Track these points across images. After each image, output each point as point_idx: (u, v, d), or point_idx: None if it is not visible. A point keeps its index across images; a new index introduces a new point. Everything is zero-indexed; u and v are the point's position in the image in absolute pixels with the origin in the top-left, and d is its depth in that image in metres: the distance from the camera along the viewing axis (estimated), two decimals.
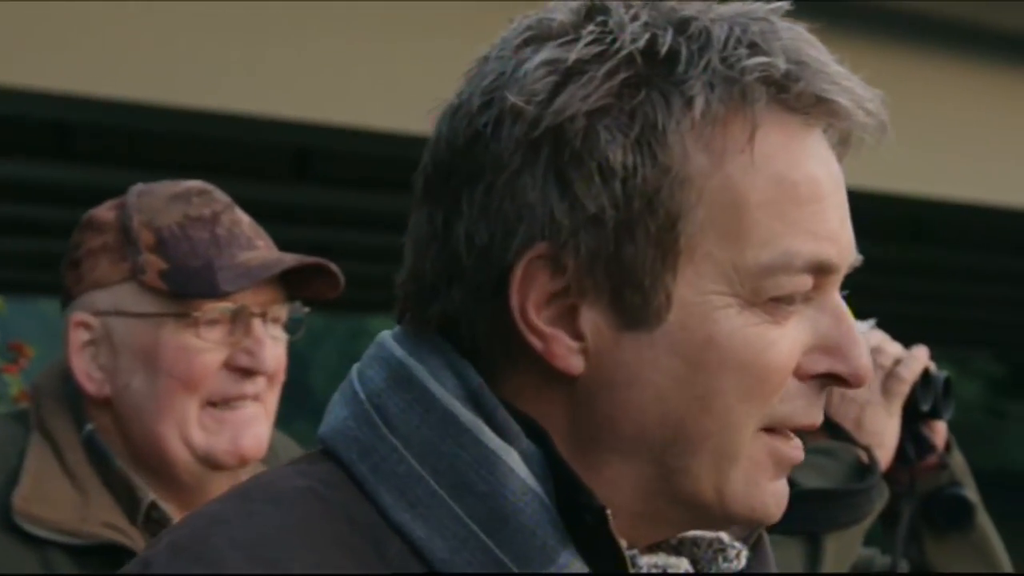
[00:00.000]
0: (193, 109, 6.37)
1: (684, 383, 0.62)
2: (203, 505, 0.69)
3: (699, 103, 0.60)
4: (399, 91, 6.44)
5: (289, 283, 1.21)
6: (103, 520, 1.13)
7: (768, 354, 0.61)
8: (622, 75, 0.61)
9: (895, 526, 1.27)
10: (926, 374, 1.24)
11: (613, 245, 0.61)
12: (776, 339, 0.62)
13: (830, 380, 0.64)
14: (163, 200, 1.19)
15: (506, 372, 0.65)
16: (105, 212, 1.20)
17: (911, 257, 12.61)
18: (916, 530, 1.31)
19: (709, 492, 0.63)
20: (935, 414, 1.28)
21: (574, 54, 0.61)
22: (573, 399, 0.64)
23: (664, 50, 0.61)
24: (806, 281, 0.62)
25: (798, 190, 0.61)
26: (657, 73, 0.61)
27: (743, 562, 0.67)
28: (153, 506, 1.15)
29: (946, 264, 13.73)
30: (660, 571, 0.65)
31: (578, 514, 0.61)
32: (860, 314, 0.79)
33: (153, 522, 1.15)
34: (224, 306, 1.17)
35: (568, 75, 0.61)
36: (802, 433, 0.67)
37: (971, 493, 1.33)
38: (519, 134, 0.61)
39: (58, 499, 1.12)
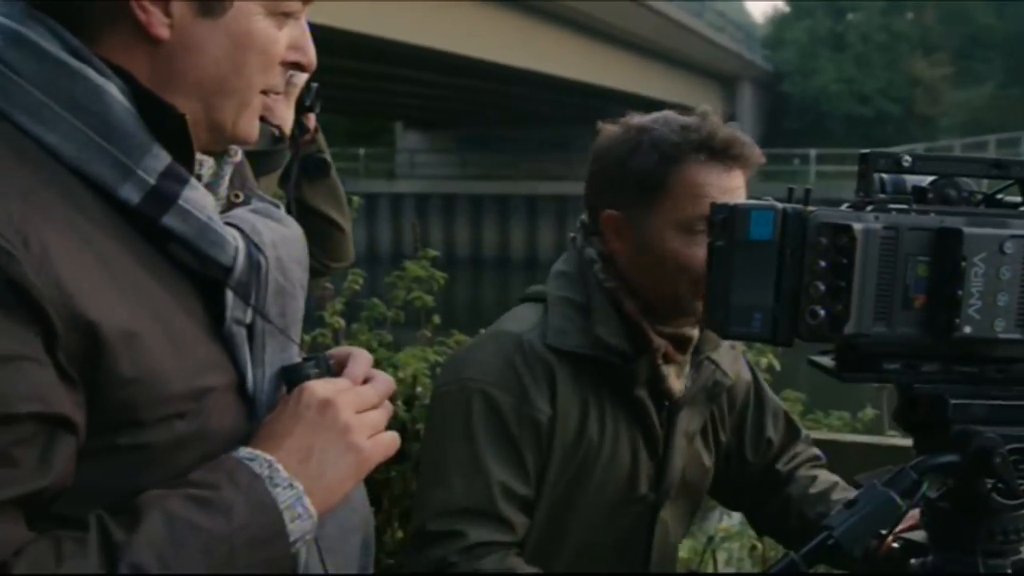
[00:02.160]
0: None
1: (230, 56, 0.96)
2: None
3: None
4: None
5: None
6: None
7: (275, 46, 0.98)
8: None
9: (289, 176, 1.85)
10: (308, 85, 1.78)
11: None
12: (278, 37, 0.99)
13: (294, 66, 1.04)
14: None
15: (104, 36, 0.92)
16: None
17: None
18: (299, 178, 1.87)
19: (228, 124, 0.98)
20: (311, 109, 1.83)
21: None
22: (158, 56, 0.94)
23: None
24: (298, 6, 1.00)
25: None
26: None
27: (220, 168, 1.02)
28: None
29: None
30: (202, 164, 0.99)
31: (165, 123, 0.92)
32: None
33: None
34: None
35: None
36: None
37: (328, 157, 1.93)
38: None
39: None
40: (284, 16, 0.99)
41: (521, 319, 1.62)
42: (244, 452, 0.92)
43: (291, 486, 0.91)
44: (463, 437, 1.53)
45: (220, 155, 1.02)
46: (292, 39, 1.01)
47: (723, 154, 1.52)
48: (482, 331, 1.77)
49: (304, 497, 0.91)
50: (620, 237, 1.57)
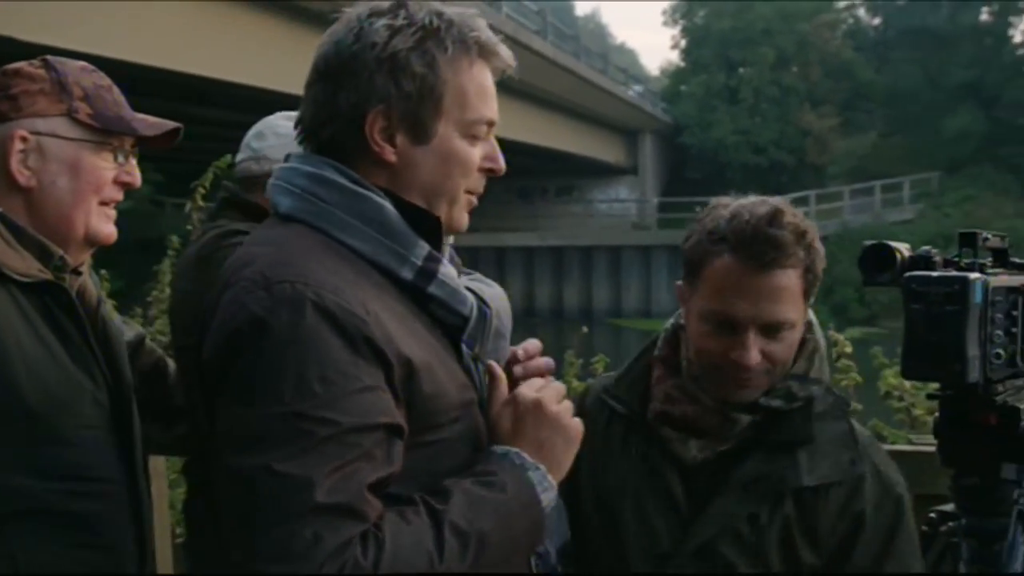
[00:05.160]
0: None
1: (438, 169, 1.28)
2: (248, 249, 1.26)
3: (450, 49, 1.27)
4: None
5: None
6: (35, 267, 1.49)
7: (471, 158, 1.29)
8: (419, 34, 1.25)
9: None
10: None
11: (414, 107, 1.25)
12: (473, 152, 1.30)
13: (489, 172, 1.33)
14: (78, 70, 1.58)
15: (361, 165, 1.26)
16: (32, 69, 1.56)
17: None
18: None
19: (444, 216, 1.30)
20: None
21: (397, 22, 1.26)
22: (391, 173, 1.27)
23: (436, 25, 1.27)
24: (486, 128, 1.31)
25: (485, 91, 1.30)
26: (432, 35, 1.26)
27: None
28: (60, 257, 1.52)
29: None
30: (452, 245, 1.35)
31: (424, 224, 1.27)
32: None
33: (58, 268, 1.53)
34: (125, 142, 1.57)
35: (394, 31, 1.25)
36: None
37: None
38: (374, 54, 1.24)
39: (7, 254, 1.46)
40: (475, 137, 1.30)
41: None
42: (501, 449, 1.26)
43: (537, 468, 1.26)
44: None
45: None
46: (486, 152, 1.32)
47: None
48: None
49: (547, 475, 1.26)
50: None
